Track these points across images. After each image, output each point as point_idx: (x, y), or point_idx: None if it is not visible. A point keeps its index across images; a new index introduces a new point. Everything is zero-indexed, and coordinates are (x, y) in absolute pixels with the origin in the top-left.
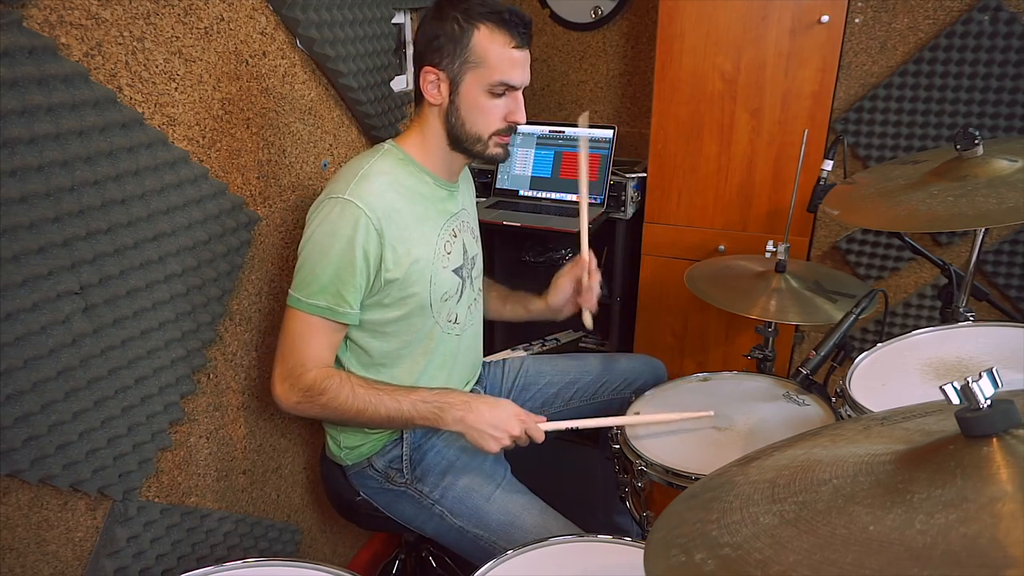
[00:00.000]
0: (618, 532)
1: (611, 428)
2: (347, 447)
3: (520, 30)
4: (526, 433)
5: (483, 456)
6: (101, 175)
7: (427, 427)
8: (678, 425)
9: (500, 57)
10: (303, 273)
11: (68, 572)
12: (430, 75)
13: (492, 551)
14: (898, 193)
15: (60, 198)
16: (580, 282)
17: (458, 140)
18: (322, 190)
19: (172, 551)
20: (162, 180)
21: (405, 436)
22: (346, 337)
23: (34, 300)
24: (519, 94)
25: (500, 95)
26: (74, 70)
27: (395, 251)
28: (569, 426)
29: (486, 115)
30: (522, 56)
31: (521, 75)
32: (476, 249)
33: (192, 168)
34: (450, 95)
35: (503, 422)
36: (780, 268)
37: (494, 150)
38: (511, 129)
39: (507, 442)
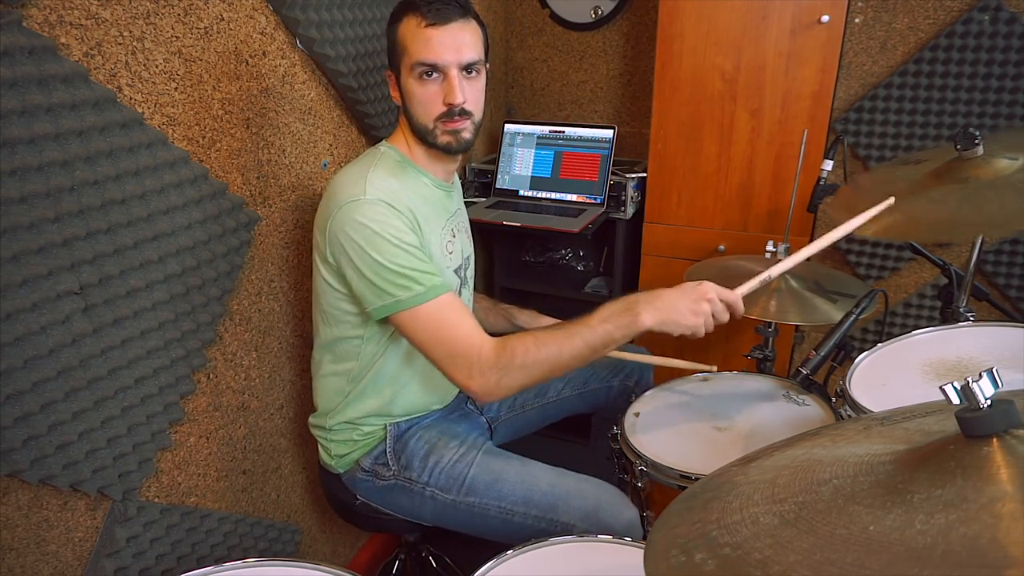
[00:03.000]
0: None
1: (611, 428)
2: (337, 455)
3: (434, 7)
4: (721, 300)
5: (464, 430)
6: (101, 175)
7: (627, 335)
8: (678, 425)
9: (415, 38)
10: (384, 279)
11: (68, 572)
12: (390, 78)
13: (487, 514)
14: (900, 198)
15: (60, 198)
16: None
17: (418, 135)
18: (323, 199)
19: (172, 551)
20: (162, 180)
21: (388, 431)
22: (347, 335)
23: (34, 300)
24: (453, 73)
25: (431, 77)
26: (74, 70)
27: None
28: (764, 277)
29: (422, 102)
30: (439, 33)
31: (439, 53)
32: (471, 249)
33: (192, 168)
34: (400, 92)
35: (693, 291)
36: None
37: (443, 138)
38: (455, 113)
39: (706, 308)
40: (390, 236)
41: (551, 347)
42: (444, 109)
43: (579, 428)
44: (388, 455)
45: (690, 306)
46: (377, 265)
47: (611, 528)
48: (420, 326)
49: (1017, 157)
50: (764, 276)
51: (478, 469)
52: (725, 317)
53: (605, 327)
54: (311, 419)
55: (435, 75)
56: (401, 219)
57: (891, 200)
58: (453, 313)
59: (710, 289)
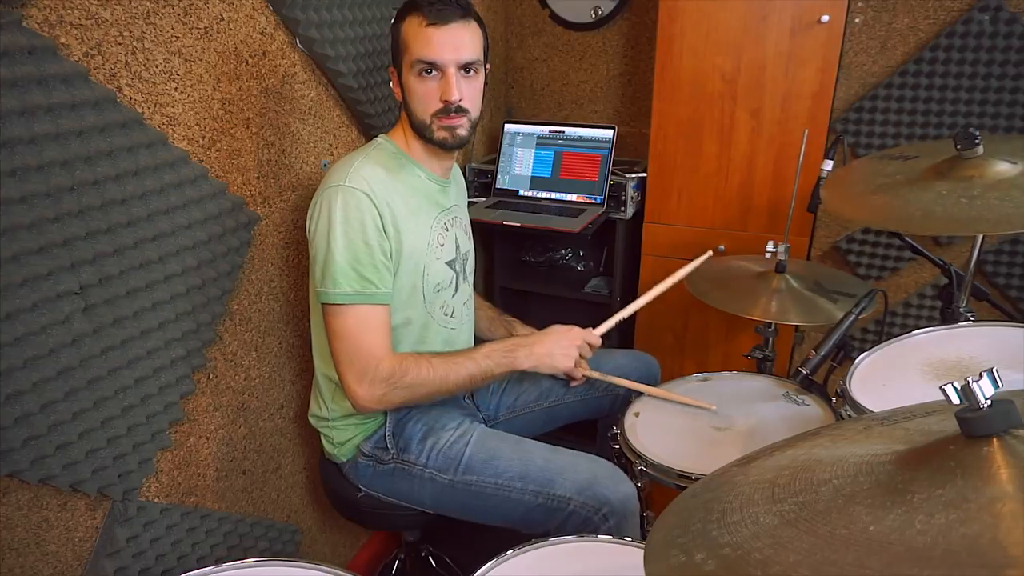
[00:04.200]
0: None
1: (611, 428)
2: (339, 442)
3: (436, 7)
4: (585, 341)
5: (460, 414)
6: (101, 175)
7: (505, 373)
8: (678, 425)
9: (416, 37)
10: (318, 266)
11: (68, 572)
12: (392, 75)
13: (485, 492)
14: (903, 191)
15: (60, 198)
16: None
17: (416, 130)
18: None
19: (172, 551)
20: (162, 180)
21: (388, 415)
22: None
23: (34, 300)
24: (450, 72)
25: (430, 75)
26: (74, 70)
27: (395, 235)
28: (617, 319)
29: (421, 98)
30: (439, 32)
31: (438, 51)
32: (469, 245)
33: (192, 168)
34: (401, 88)
35: (565, 338)
36: (780, 268)
37: (439, 134)
38: (451, 110)
39: (575, 353)
40: (352, 230)
41: (439, 371)
42: (441, 106)
43: (586, 430)
44: (388, 439)
45: (563, 351)
46: (329, 253)
47: (607, 500)
48: (338, 322)
49: (1016, 162)
50: (618, 317)
51: (474, 448)
52: (588, 353)
53: (488, 363)
54: (312, 412)
55: (434, 73)
56: (372, 215)
57: (710, 252)
58: (372, 326)
59: (578, 336)
